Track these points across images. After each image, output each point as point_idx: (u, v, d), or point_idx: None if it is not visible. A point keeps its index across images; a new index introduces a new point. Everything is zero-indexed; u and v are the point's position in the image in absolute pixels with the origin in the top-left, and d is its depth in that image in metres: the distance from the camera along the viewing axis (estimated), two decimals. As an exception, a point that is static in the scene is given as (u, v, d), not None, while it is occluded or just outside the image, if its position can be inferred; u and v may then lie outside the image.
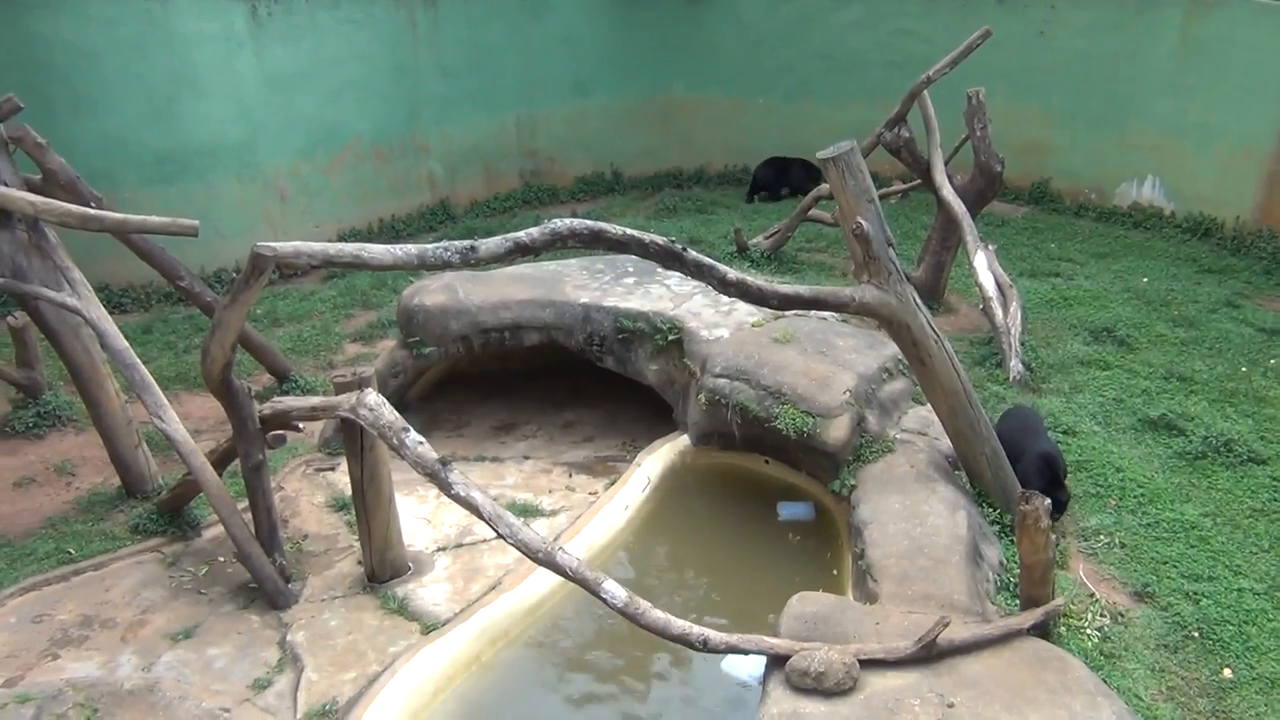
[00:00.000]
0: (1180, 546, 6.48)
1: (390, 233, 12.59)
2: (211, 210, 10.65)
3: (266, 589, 6.08)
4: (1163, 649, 5.70)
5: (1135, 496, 6.94)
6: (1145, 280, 10.85)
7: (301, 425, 6.77)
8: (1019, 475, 6.41)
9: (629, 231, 5.35)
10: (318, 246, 5.00)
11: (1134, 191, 13.03)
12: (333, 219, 12.09)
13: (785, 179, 13.86)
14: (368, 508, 6.11)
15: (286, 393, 8.28)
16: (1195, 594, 6.06)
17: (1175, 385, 8.49)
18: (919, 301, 6.14)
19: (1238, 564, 6.33)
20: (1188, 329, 9.57)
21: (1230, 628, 5.81)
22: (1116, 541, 6.48)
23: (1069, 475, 6.73)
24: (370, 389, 5.69)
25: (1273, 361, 8.95)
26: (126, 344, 6.19)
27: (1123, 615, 5.92)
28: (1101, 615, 5.87)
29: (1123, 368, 8.78)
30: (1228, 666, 5.57)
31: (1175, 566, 6.30)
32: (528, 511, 7.01)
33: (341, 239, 11.78)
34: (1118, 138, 12.95)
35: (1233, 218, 11.99)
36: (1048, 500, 5.10)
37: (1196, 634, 5.78)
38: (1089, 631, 5.73)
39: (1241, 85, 11.65)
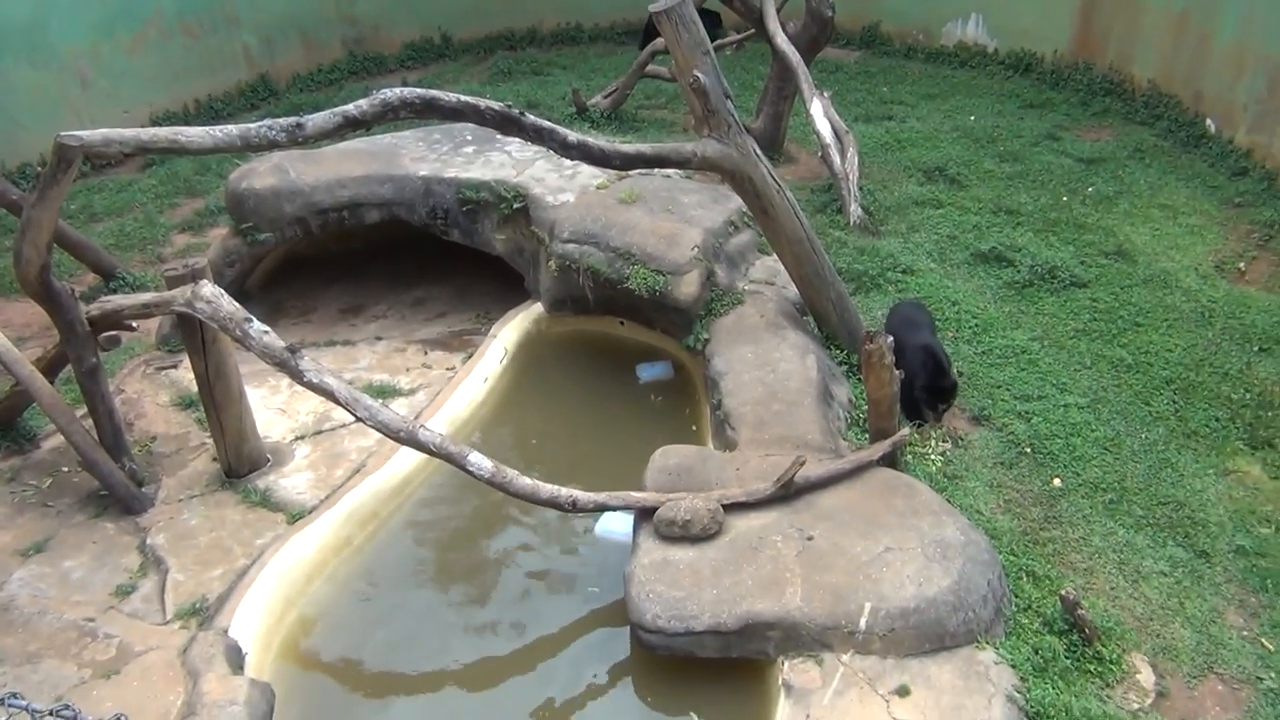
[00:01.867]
0: (1012, 370, 6.89)
1: (208, 114, 11.84)
2: (3, 99, 9.84)
3: (118, 495, 5.88)
4: (999, 466, 6.12)
5: (970, 327, 7.32)
6: (972, 118, 11.20)
7: (135, 324, 6.47)
8: (905, 369, 6.04)
9: (464, 98, 5.19)
10: (129, 133, 4.68)
11: (959, 30, 13.31)
12: (143, 102, 11.28)
13: None
14: (217, 403, 5.93)
15: (114, 291, 7.85)
16: (1026, 413, 6.49)
17: (1003, 219, 8.88)
18: (759, 153, 6.19)
19: (1064, 382, 6.79)
20: (1013, 163, 9.98)
21: (1058, 441, 6.26)
22: (955, 371, 6.83)
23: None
24: (205, 280, 5.44)
25: (1090, 189, 9.45)
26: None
27: (963, 439, 6.31)
28: (943, 441, 6.23)
29: (955, 205, 9.12)
30: (1057, 476, 6.02)
31: (1008, 389, 6.71)
32: (385, 392, 6.93)
33: (154, 123, 11.02)
34: (942, -24, 13.14)
35: (1051, 52, 12.42)
36: (890, 338, 5.33)
37: (1029, 449, 6.22)
38: (933, 457, 6.10)
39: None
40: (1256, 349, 7.12)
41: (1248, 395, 6.68)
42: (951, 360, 6.34)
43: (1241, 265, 8.19)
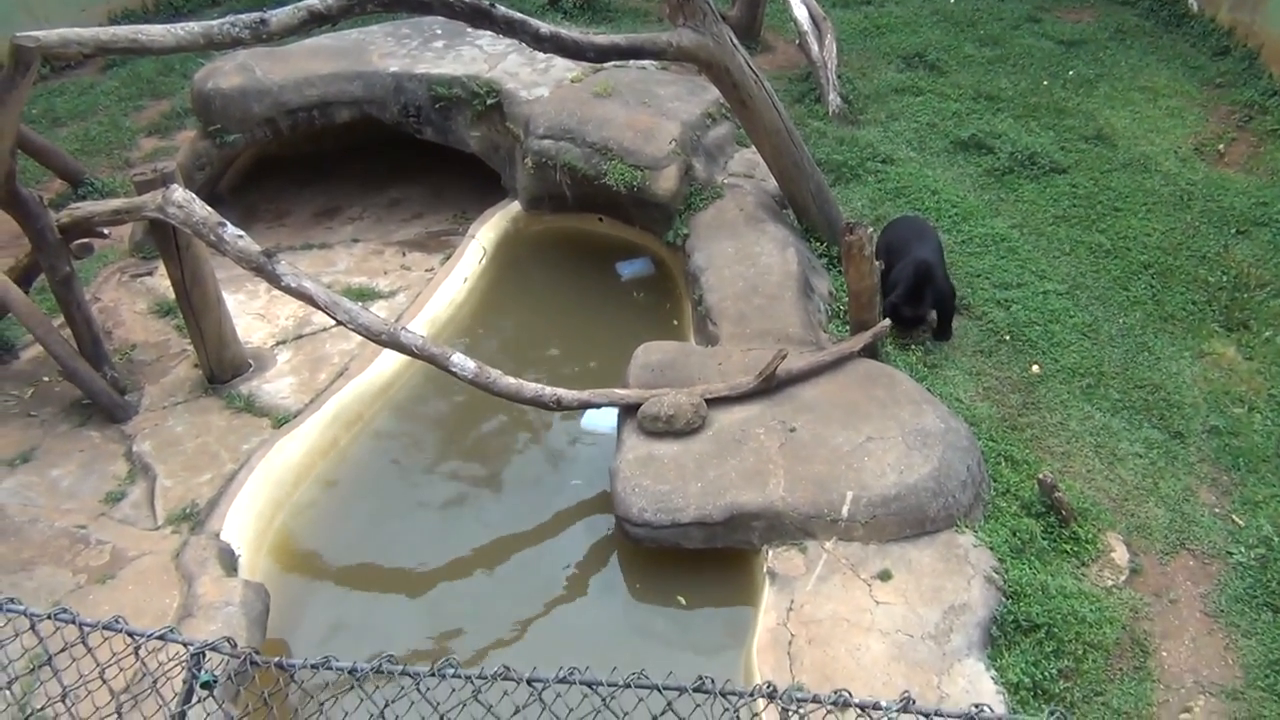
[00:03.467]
0: (991, 259, 6.90)
1: (169, 11, 11.42)
2: (-47, 0, 9.50)
3: (102, 403, 5.87)
4: (979, 354, 6.17)
5: (950, 216, 7.29)
6: (952, 1, 10.96)
7: (107, 231, 6.37)
8: (891, 277, 6.00)
9: (432, -10, 5.04)
10: (88, 32, 4.55)
11: (939, -91, 12.92)
12: (99, 0, 10.90)
13: None
14: (195, 309, 5.88)
15: (83, 197, 7.69)
16: (1006, 301, 6.52)
17: (983, 105, 8.78)
18: (736, 42, 6.07)
19: (1043, 269, 6.81)
20: (993, 47, 9.81)
21: (1037, 328, 6.31)
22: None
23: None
24: (175, 184, 5.35)
25: (1071, 73, 9.32)
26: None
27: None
28: (923, 330, 6.27)
29: (935, 92, 8.99)
30: (1035, 363, 6.09)
31: (988, 278, 6.73)
32: (364, 295, 6.89)
33: (112, 21, 10.63)
34: None
35: (1033, -70, 12.10)
36: (870, 229, 5.32)
37: (1008, 337, 6.27)
38: (913, 346, 6.14)
39: None
40: (1234, 231, 7.15)
41: (1224, 278, 6.72)
42: (948, 283, 6.12)
43: (1221, 147, 8.16)
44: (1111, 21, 10.32)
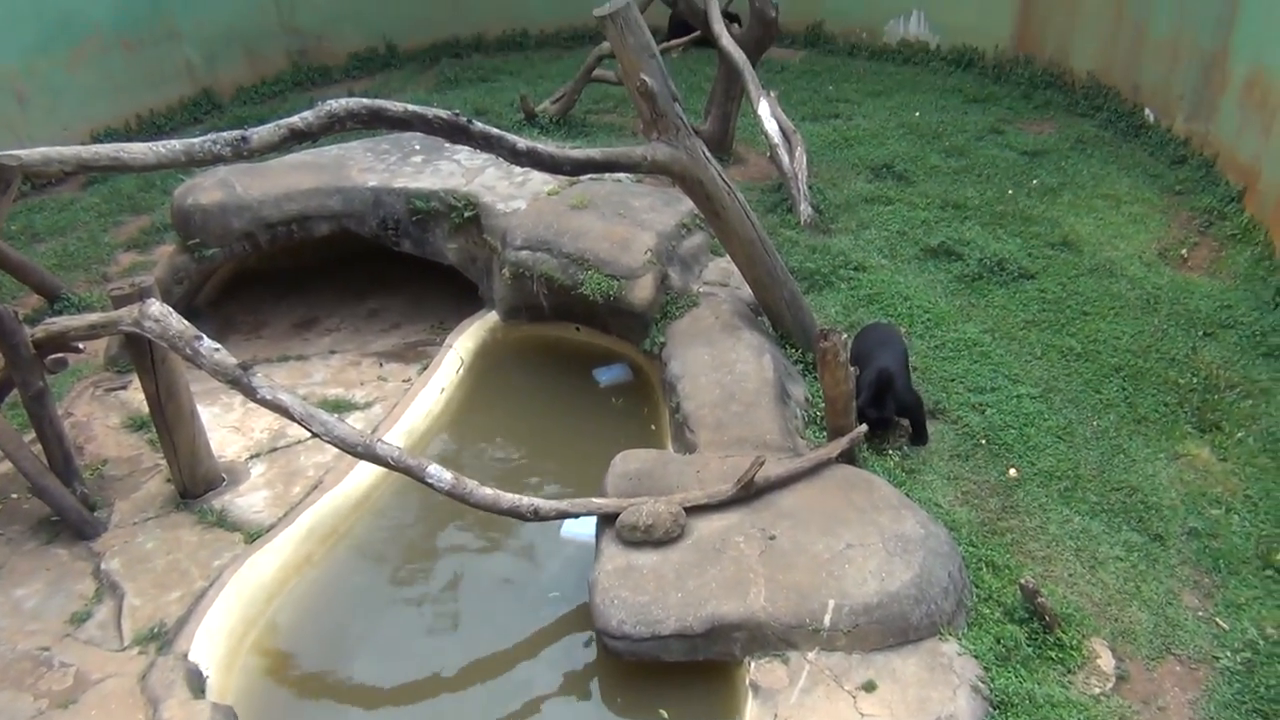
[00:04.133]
0: (965, 363, 6.97)
1: (151, 129, 11.65)
2: (-62, 120, 9.63)
3: (70, 520, 5.77)
4: (956, 458, 6.18)
5: (923, 321, 7.39)
6: (917, 114, 11.31)
7: (82, 346, 6.34)
8: (859, 383, 5.95)
9: (410, 107, 5.15)
10: (69, 151, 4.61)
11: (901, 28, 13.45)
12: (82, 119, 11.08)
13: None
14: (169, 423, 5.84)
15: (60, 312, 7.69)
16: (981, 405, 6.56)
17: (951, 213, 8.98)
18: (709, 154, 6.21)
19: (1015, 373, 6.88)
20: (959, 158, 10.10)
21: (1013, 431, 6.34)
22: (909, 365, 6.89)
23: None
24: (153, 299, 5.36)
25: (1035, 182, 9.58)
26: None
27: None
28: (900, 435, 6.28)
29: (903, 201, 9.21)
30: (1013, 466, 6.10)
31: (962, 382, 6.79)
32: (341, 407, 6.87)
33: (95, 140, 10.83)
34: (883, -26, 13.28)
35: (992, 47, 12.60)
36: (844, 335, 5.37)
37: (984, 441, 6.29)
38: (890, 451, 6.15)
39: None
40: (1201, 334, 7.27)
41: (1194, 379, 6.80)
42: (906, 387, 6.17)
43: (1184, 252, 8.35)
44: (1072, 132, 10.66)
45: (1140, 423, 6.48)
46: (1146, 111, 10.49)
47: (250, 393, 5.04)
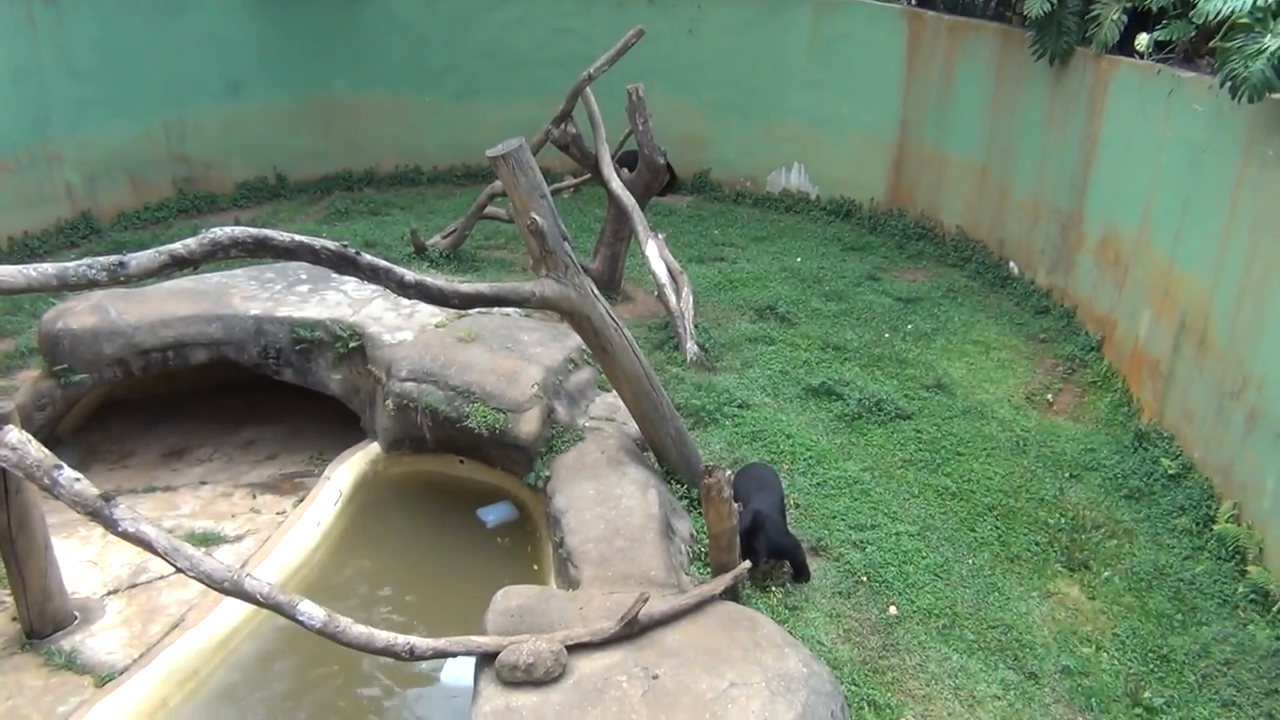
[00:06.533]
0: (846, 501, 7.09)
1: (24, 251, 11.28)
2: None
3: (-100, 663, 5.33)
4: (838, 595, 6.22)
5: (805, 459, 7.52)
6: (799, 260, 11.76)
7: (-70, 473, 5.97)
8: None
9: (297, 238, 5.12)
10: (-67, 271, 4.43)
11: (783, 179, 14.09)
12: (-49, 238, 10.72)
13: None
14: (19, 557, 5.49)
15: (-92, 438, 7.26)
16: (861, 542, 6.66)
17: (831, 354, 9.28)
18: (597, 292, 6.32)
19: (894, 510, 7.02)
20: (838, 302, 10.49)
21: (892, 569, 6.43)
22: (792, 502, 6.98)
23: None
24: (11, 426, 5.10)
25: (910, 326, 9.99)
26: None
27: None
28: (785, 572, 6.31)
29: (786, 342, 9.48)
30: (893, 604, 6.17)
31: (843, 519, 6.89)
32: (209, 540, 6.57)
33: (-36, 261, 10.46)
34: (765, 129, 13.96)
35: (868, 199, 13.28)
36: (729, 470, 5.42)
37: (865, 578, 6.36)
38: (773, 589, 6.15)
39: (865, 79, 12.90)
40: (1068, 475, 7.57)
41: (1063, 520, 7.05)
42: (780, 530, 6.23)
43: (1049, 397, 8.76)
44: (943, 281, 11.21)
45: (1013, 561, 6.65)
46: (1011, 264, 11.12)
47: (111, 525, 4.79)
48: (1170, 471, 7.37)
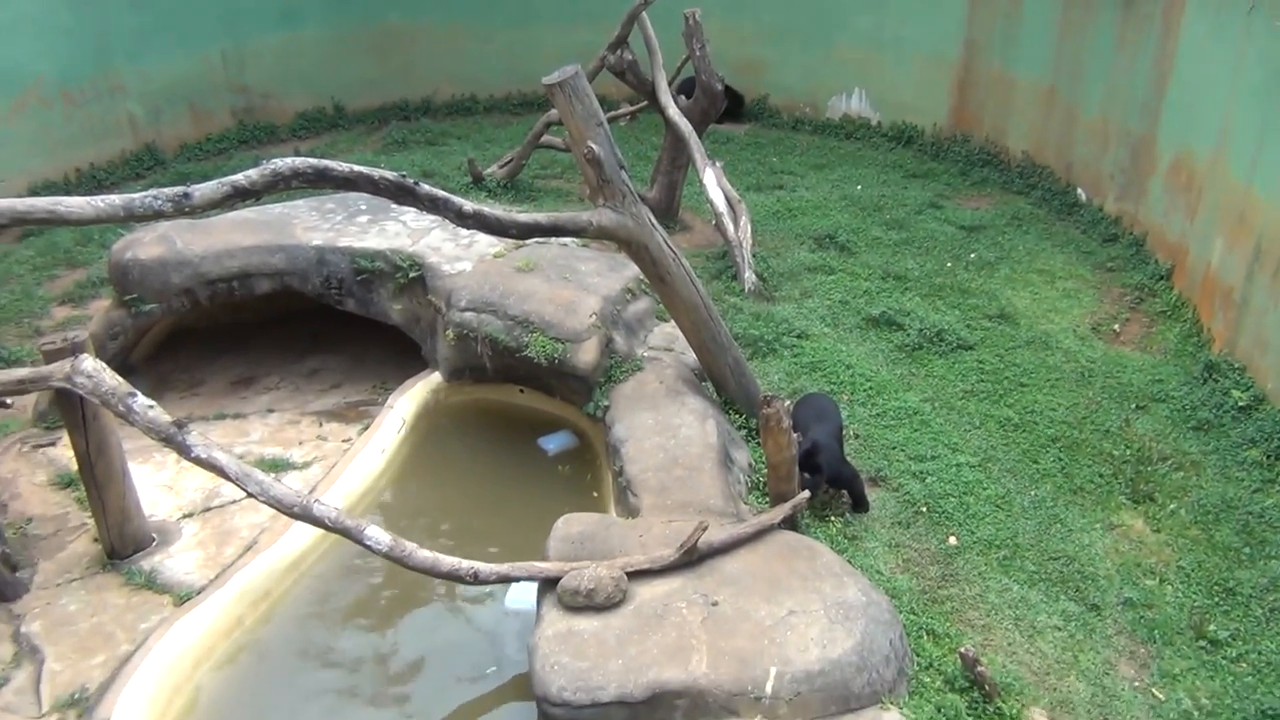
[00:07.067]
0: (906, 432, 7.05)
1: (91, 183, 11.50)
2: None
3: (-11, 581, 5.56)
4: (897, 526, 6.22)
5: (864, 390, 7.47)
6: (859, 188, 11.56)
7: (9, 401, 6.17)
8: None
9: (356, 168, 5.15)
10: (4, 203, 4.51)
11: (843, 104, 13.80)
12: (19, 171, 10.91)
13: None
14: (98, 481, 5.68)
15: (-12, 367, 7.51)
16: (921, 473, 6.63)
17: (892, 284, 9.15)
18: (654, 221, 6.28)
19: (955, 441, 6.97)
20: (899, 230, 10.32)
21: (952, 500, 6.40)
22: (851, 433, 6.95)
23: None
24: (86, 354, 5.25)
25: (972, 255, 9.81)
26: None
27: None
28: (843, 502, 6.31)
29: (845, 271, 9.37)
30: (953, 534, 6.15)
31: (903, 450, 6.86)
32: (278, 466, 6.73)
33: (33, 193, 10.64)
34: (825, 53, 13.63)
35: (930, 125, 12.96)
36: (787, 402, 5.40)
37: (925, 509, 6.34)
38: (833, 519, 6.17)
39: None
40: (1134, 407, 7.43)
41: (1128, 451, 6.94)
42: (838, 459, 6.19)
43: (1116, 327, 8.58)
44: (1008, 209, 10.95)
45: (1076, 493, 6.58)
46: (1078, 190, 10.83)
47: (184, 451, 4.93)
48: (1241, 403, 7.20)
